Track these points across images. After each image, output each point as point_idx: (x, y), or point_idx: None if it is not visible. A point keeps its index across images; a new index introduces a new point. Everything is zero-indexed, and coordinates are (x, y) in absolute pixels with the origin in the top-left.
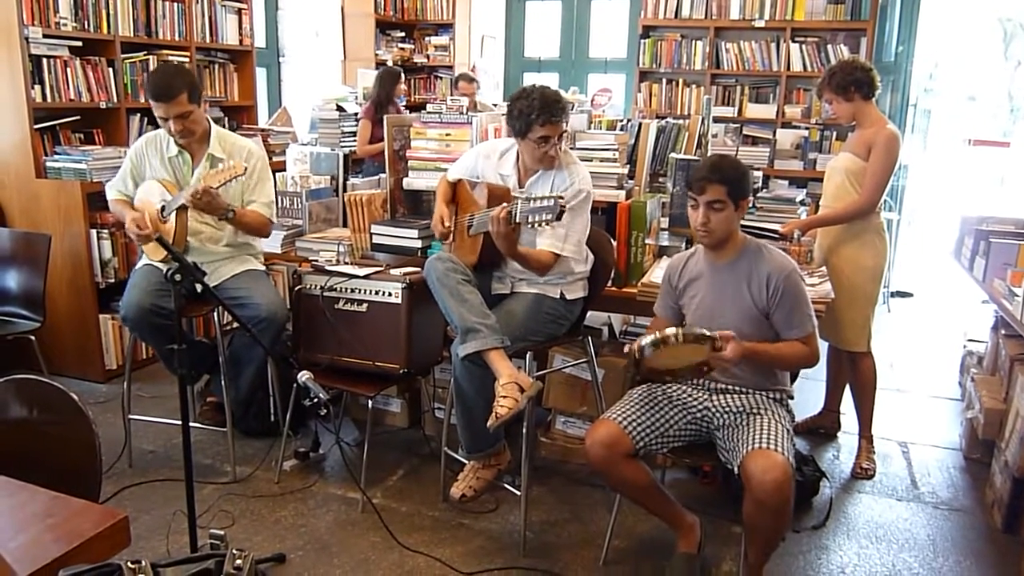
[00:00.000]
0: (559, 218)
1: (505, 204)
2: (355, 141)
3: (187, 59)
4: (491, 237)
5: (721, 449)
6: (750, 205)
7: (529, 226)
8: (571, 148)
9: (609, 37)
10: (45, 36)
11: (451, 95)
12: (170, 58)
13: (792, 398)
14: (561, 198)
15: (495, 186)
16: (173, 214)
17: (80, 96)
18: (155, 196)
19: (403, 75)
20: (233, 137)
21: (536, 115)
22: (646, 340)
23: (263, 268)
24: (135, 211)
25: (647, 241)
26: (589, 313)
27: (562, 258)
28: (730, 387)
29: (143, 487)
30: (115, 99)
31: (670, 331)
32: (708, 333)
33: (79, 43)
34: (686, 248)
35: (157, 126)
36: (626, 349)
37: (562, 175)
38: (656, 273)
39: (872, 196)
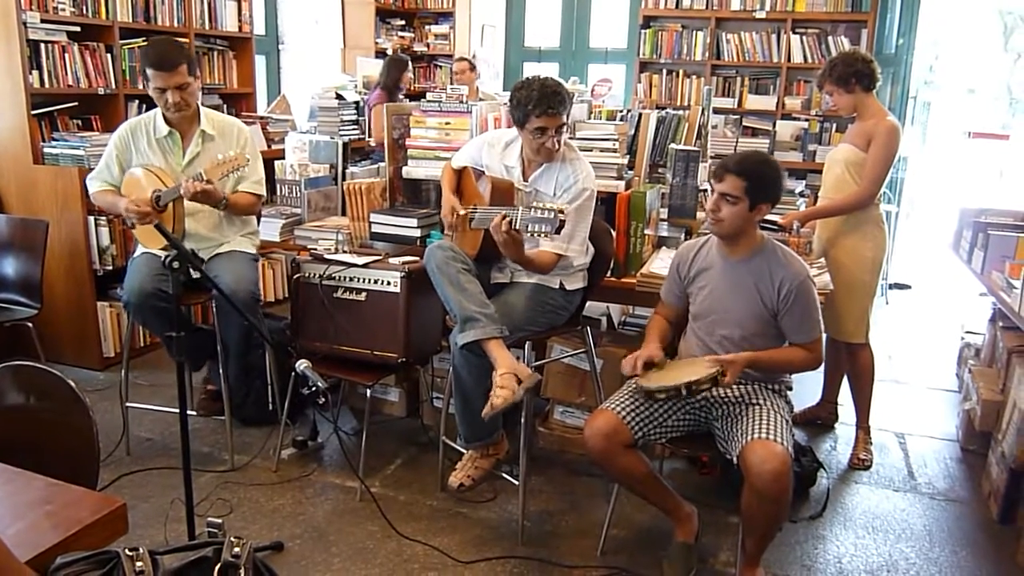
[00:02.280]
0: (558, 232)
1: (503, 213)
2: (355, 129)
3: (185, 45)
4: (491, 234)
5: (719, 439)
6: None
7: (528, 235)
8: (571, 138)
9: (609, 27)
10: (43, 21)
11: (451, 83)
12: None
13: (791, 389)
14: (562, 211)
15: (499, 180)
16: (170, 203)
17: (78, 82)
18: (144, 185)
19: (410, 63)
20: (220, 115)
21: (533, 106)
22: (653, 386)
23: (247, 250)
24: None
25: (646, 232)
26: (588, 303)
27: (565, 256)
28: None
29: (141, 475)
30: (113, 85)
31: (673, 384)
32: (708, 375)
33: (77, 28)
34: (685, 239)
35: None
36: (626, 370)
37: (566, 171)
38: (656, 263)
39: (871, 187)
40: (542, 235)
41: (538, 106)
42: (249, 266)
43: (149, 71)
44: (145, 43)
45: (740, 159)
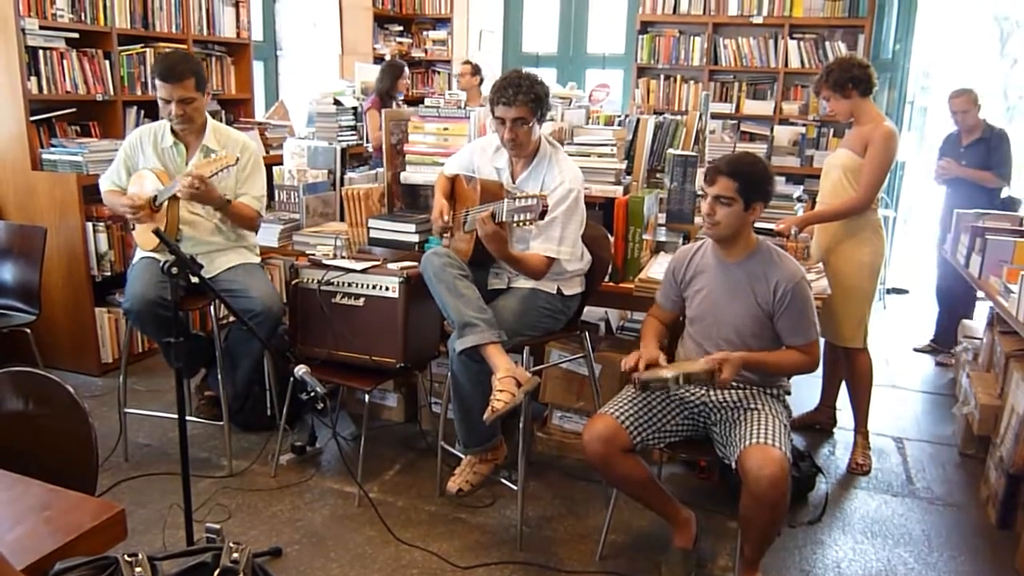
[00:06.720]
0: (542, 217)
1: (487, 207)
2: (353, 135)
3: (197, 59)
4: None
5: (718, 444)
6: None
7: (515, 224)
8: (569, 143)
9: (607, 32)
10: (42, 27)
11: (448, 88)
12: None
13: (789, 393)
14: (544, 197)
15: (488, 181)
16: (165, 203)
17: (76, 88)
18: (148, 185)
19: (407, 69)
20: (229, 131)
21: (491, 94)
22: (646, 376)
23: (258, 261)
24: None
25: (644, 237)
26: (586, 308)
27: (557, 260)
28: None
29: (139, 481)
30: (112, 91)
31: (669, 375)
32: (703, 368)
33: (76, 35)
34: (683, 244)
35: (154, 119)
36: (624, 367)
37: (552, 172)
38: (654, 268)
39: (868, 193)
40: (528, 223)
41: (493, 95)
42: (267, 279)
43: (156, 80)
44: (143, 48)
45: (730, 161)
